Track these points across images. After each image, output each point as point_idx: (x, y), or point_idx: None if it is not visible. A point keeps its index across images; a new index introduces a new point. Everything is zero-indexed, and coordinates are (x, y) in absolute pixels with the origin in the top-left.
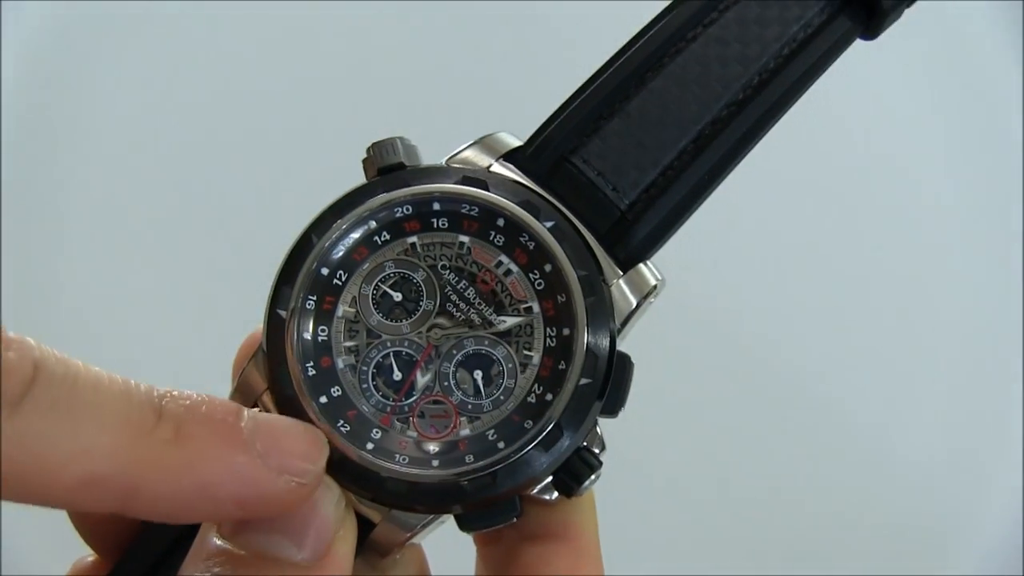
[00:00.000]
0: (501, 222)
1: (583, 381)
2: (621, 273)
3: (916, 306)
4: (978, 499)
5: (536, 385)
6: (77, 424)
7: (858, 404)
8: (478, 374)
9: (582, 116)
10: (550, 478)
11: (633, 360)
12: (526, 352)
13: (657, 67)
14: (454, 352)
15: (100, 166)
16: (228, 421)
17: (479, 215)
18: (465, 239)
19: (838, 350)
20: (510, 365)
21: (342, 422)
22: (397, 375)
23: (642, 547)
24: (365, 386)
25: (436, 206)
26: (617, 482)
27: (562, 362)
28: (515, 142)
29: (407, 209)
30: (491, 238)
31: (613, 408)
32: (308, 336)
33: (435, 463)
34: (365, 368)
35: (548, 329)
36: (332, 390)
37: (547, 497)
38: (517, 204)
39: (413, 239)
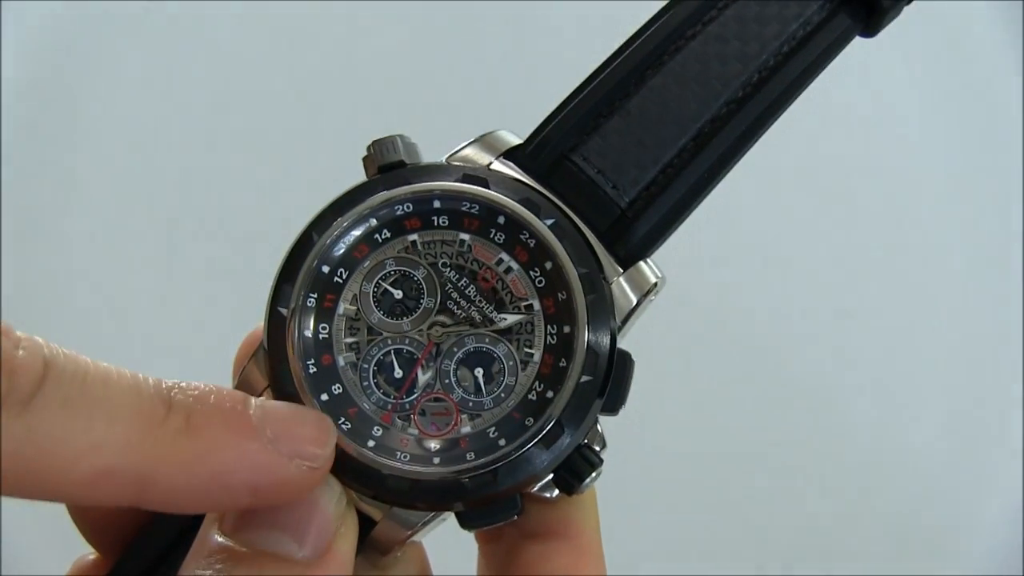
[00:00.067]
0: (502, 220)
1: (584, 379)
2: (621, 271)
3: (916, 305)
4: (978, 499)
5: (537, 382)
6: (89, 419)
7: (858, 404)
8: (479, 372)
9: (582, 114)
10: (551, 476)
11: (633, 358)
12: (527, 349)
13: (657, 65)
14: (455, 350)
15: (100, 165)
16: (237, 409)
17: (480, 213)
18: (466, 237)
19: (838, 349)
20: (511, 363)
21: (343, 420)
22: (398, 373)
23: (642, 546)
24: (366, 384)
25: (437, 204)
26: (618, 480)
27: (563, 359)
28: (515, 140)
29: (408, 207)
30: (492, 236)
31: (614, 406)
32: (309, 334)
33: (436, 460)
34: (366, 366)
35: (549, 326)
36: (333, 388)
37: (548, 495)
38: (518, 202)
39: (414, 237)
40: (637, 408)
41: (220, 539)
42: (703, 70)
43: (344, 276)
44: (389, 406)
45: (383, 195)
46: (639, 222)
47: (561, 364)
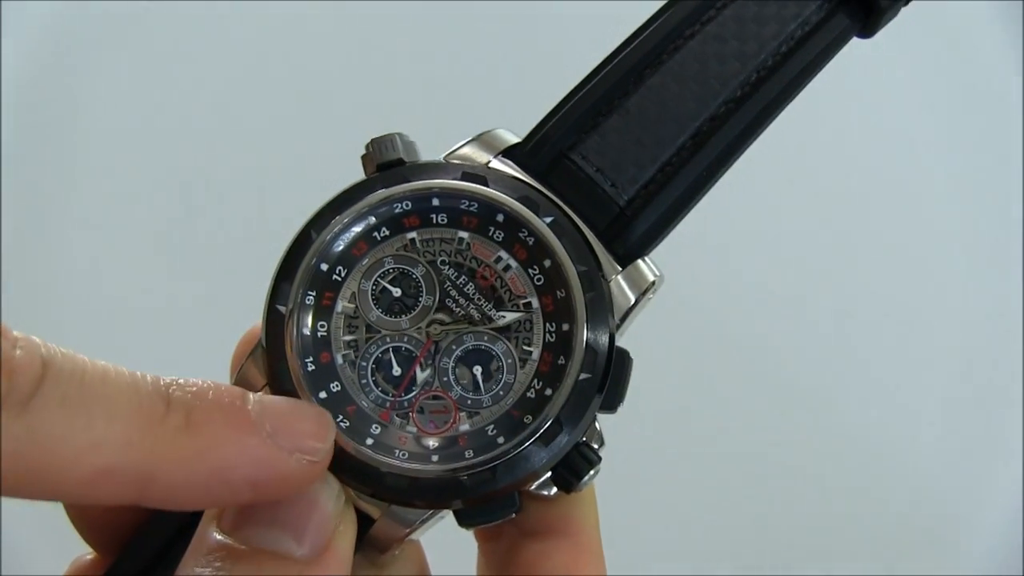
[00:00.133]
0: (500, 218)
1: (582, 376)
2: (620, 269)
3: (916, 306)
4: (978, 499)
5: (535, 380)
6: (89, 417)
7: (858, 403)
8: (477, 369)
9: (581, 112)
10: (549, 473)
11: (632, 356)
12: (525, 347)
13: (656, 64)
14: (453, 347)
15: (100, 164)
16: (236, 405)
17: (478, 211)
18: (464, 235)
19: (838, 349)
20: (509, 360)
21: (341, 417)
22: (396, 370)
23: (641, 544)
24: (364, 381)
25: (435, 202)
26: (616, 478)
27: (561, 357)
28: (513, 138)
29: (406, 205)
30: (490, 234)
31: (612, 404)
32: (307, 332)
33: (435, 458)
34: (364, 364)
35: (547, 324)
36: (331, 385)
37: (546, 492)
38: (516, 200)
39: (412, 235)
40: (636, 406)
41: (219, 537)
42: (702, 69)
43: (343, 274)
44: (388, 404)
45: (382, 193)
46: (637, 220)
47: (560, 362)
